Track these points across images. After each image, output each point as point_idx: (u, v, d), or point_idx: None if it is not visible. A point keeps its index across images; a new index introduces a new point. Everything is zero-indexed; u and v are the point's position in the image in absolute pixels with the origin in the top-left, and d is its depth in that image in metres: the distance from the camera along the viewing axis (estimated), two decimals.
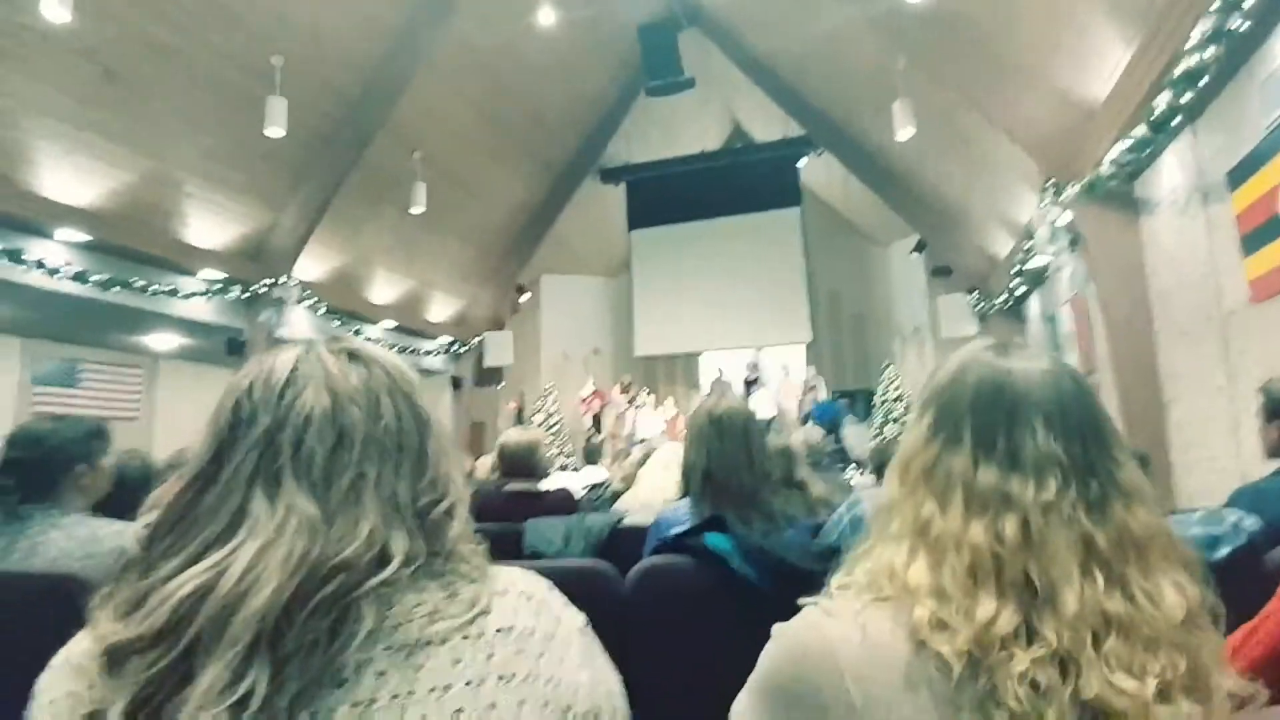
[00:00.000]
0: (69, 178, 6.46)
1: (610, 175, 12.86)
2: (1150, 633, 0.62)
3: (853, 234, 13.37)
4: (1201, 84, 3.70)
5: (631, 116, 11.88)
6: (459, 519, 0.65)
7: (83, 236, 6.72)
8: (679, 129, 12.36)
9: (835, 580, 0.73)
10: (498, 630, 0.60)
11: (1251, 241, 3.94)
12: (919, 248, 10.71)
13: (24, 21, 5.27)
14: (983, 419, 0.71)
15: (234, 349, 8.52)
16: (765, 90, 10.32)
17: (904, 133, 7.13)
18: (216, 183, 7.55)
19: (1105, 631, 0.62)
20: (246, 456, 0.59)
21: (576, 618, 0.68)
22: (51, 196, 6.41)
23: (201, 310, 8.13)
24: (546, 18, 7.48)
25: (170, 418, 9.79)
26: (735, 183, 12.43)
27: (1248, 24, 3.18)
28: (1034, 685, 0.59)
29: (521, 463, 2.64)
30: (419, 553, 0.60)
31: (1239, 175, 3.97)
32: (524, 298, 12.89)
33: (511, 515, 2.38)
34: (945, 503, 0.69)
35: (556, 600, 0.67)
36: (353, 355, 0.68)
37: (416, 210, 8.95)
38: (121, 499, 1.88)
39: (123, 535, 1.57)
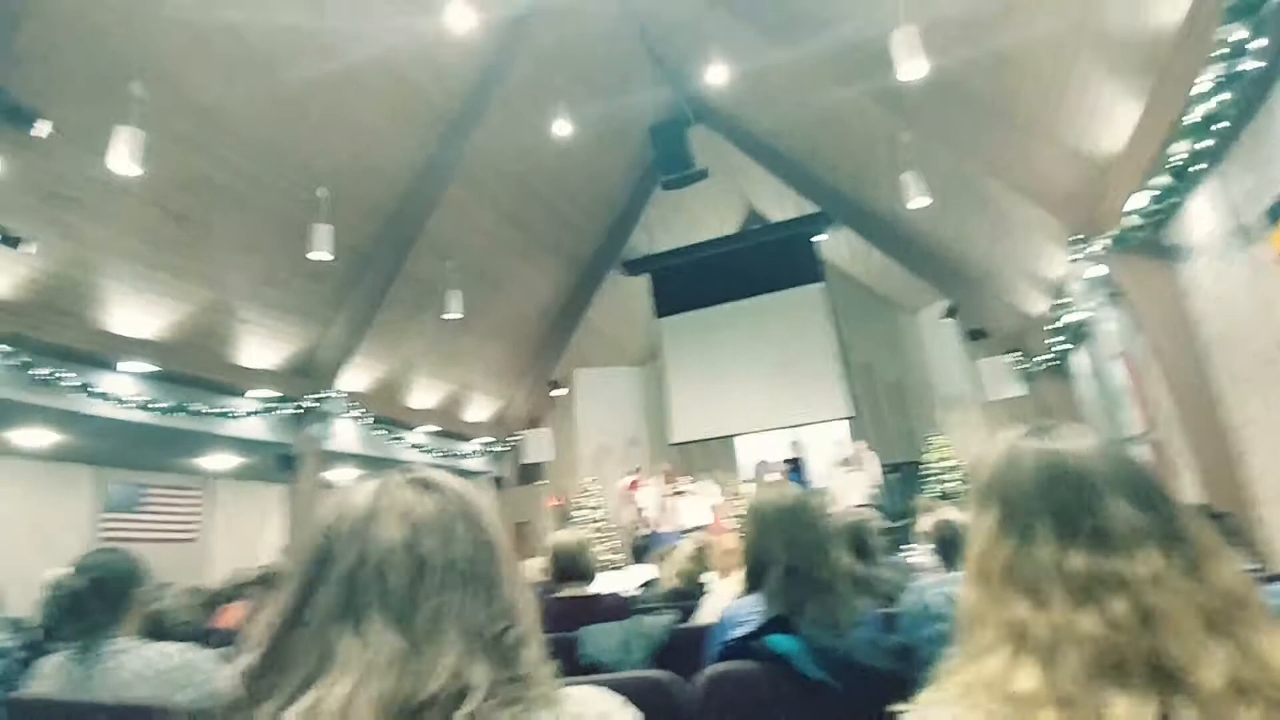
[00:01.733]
0: (136, 313, 6.96)
1: (634, 266, 13.20)
2: (1276, 695, 0.58)
3: (880, 304, 13.34)
4: (1220, 127, 3.68)
5: (650, 209, 12.33)
6: (534, 644, 0.66)
7: (148, 367, 7.16)
8: (697, 217, 12.75)
9: (922, 697, 0.67)
10: None
11: None
12: (950, 313, 10.60)
13: (92, 174, 5.79)
14: (1056, 504, 0.69)
15: (285, 464, 8.75)
16: (775, 173, 10.65)
17: (916, 202, 7.22)
18: (267, 306, 8.01)
19: (1246, 701, 0.57)
20: (333, 593, 0.62)
21: None
22: (120, 332, 6.88)
23: (254, 429, 8.41)
24: (563, 128, 7.94)
25: (226, 536, 10.05)
26: (756, 264, 12.63)
27: (1259, 64, 3.19)
28: None
29: (573, 565, 2.57)
30: (499, 681, 0.61)
31: (1278, 211, 3.87)
32: (559, 393, 12.99)
33: (565, 622, 2.29)
34: (1041, 599, 0.65)
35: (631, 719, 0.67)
36: (426, 484, 0.70)
37: (452, 316, 9.26)
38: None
39: (185, 654, 1.64)
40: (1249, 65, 3.17)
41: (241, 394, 8.22)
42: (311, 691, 0.57)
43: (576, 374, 13.55)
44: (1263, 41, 3.00)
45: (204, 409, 7.69)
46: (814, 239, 12.36)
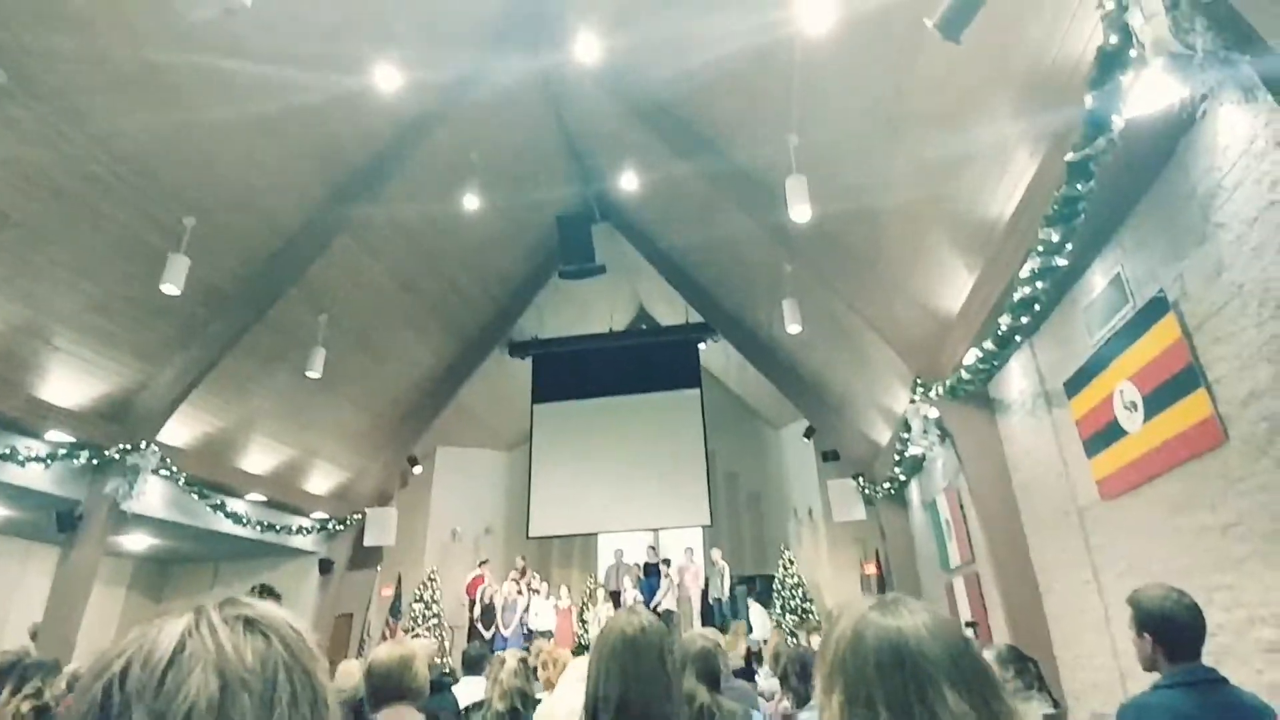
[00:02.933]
0: None
1: (518, 349, 13.13)
2: None
3: (749, 415, 14.01)
4: (1035, 309, 4.35)
5: (544, 294, 12.45)
6: None
7: None
8: (588, 308, 13.01)
9: None
10: None
11: (1092, 445, 4.42)
12: (809, 433, 11.30)
13: None
14: (892, 689, 0.72)
15: (65, 524, 7.40)
16: (669, 280, 11.21)
17: (793, 327, 7.83)
18: (92, 336, 7.04)
19: None
20: None
21: None
22: None
23: (37, 477, 7.12)
24: (471, 203, 7.97)
25: None
26: (639, 362, 12.99)
27: (1067, 262, 3.84)
28: None
29: (395, 685, 2.21)
30: None
31: (1074, 385, 4.56)
32: (416, 470, 12.26)
33: None
34: None
35: None
36: (250, 623, 0.58)
37: (313, 374, 8.59)
38: None
39: None
40: (1059, 261, 3.81)
41: (31, 433, 7.02)
42: None
43: (439, 452, 12.94)
44: (1069, 245, 3.63)
45: None
46: (696, 346, 12.95)
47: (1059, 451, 5.01)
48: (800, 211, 5.65)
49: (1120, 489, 4.17)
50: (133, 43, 5.52)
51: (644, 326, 14.35)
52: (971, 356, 5.30)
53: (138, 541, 9.69)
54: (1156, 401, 3.61)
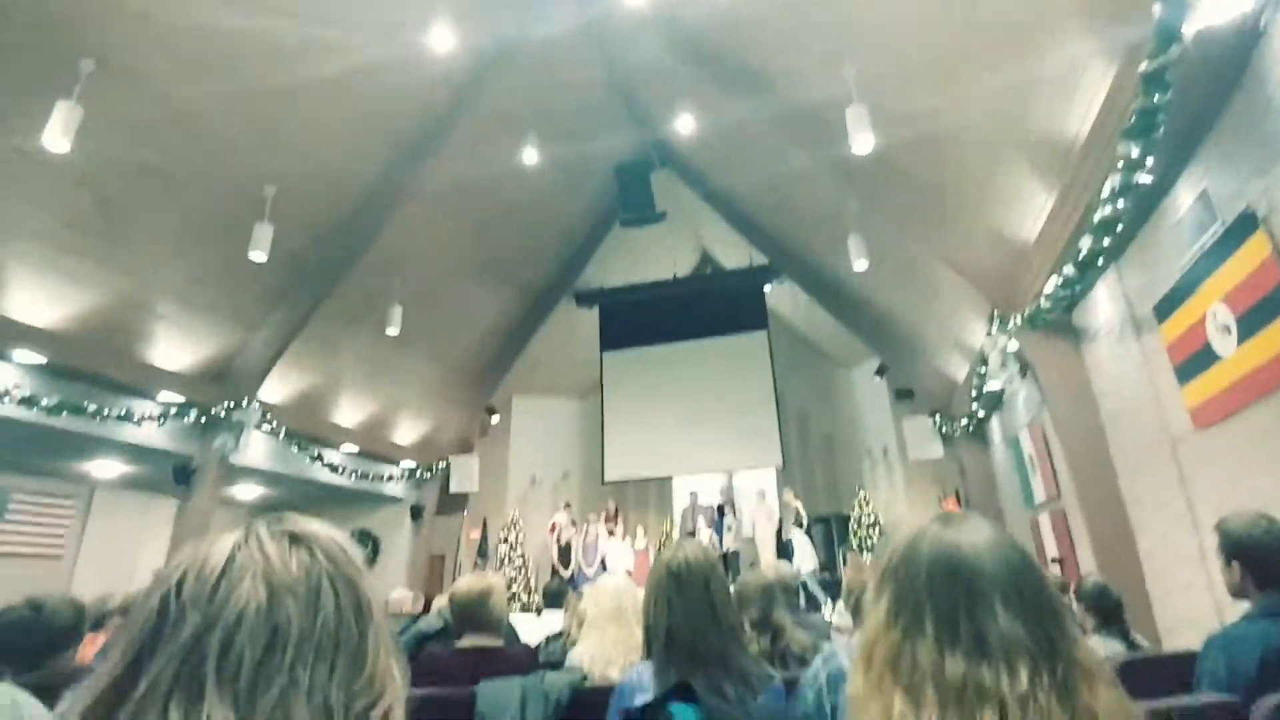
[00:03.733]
0: (36, 298, 6.48)
1: (585, 299, 13.29)
2: None
3: (819, 356, 13.76)
4: (1117, 230, 4.05)
5: (606, 244, 12.48)
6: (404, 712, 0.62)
7: (38, 358, 6.55)
8: (651, 256, 12.96)
9: None
10: None
11: (1184, 372, 4.15)
12: (880, 371, 11.02)
13: (18, 145, 5.49)
14: (942, 601, 0.70)
15: (181, 477, 8.12)
16: (731, 223, 11.00)
17: (859, 264, 7.57)
18: (190, 304, 7.62)
19: None
20: (168, 662, 0.54)
21: None
22: (15, 317, 6.39)
23: (153, 436, 7.80)
24: (530, 158, 8.02)
25: (98, 554, 9.11)
26: (704, 307, 12.89)
27: (1150, 179, 3.54)
28: None
29: (474, 615, 2.35)
30: None
31: (1164, 309, 4.25)
32: (494, 419, 12.80)
33: (464, 676, 2.12)
34: (917, 699, 0.66)
35: None
36: (295, 538, 0.63)
37: (392, 331, 9.03)
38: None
39: (13, 694, 1.49)
40: (1141, 178, 3.52)
41: (149, 396, 7.67)
42: None
43: (515, 401, 13.40)
44: (1150, 160, 3.35)
45: (97, 409, 7.03)
46: (762, 288, 12.73)
47: (1150, 380, 4.72)
48: (862, 142, 5.39)
49: (1215, 417, 3.92)
50: (189, 12, 5.74)
51: (708, 271, 14.18)
52: (1052, 284, 5.00)
53: (248, 491, 10.57)
54: (1250, 323, 3.34)
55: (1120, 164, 3.47)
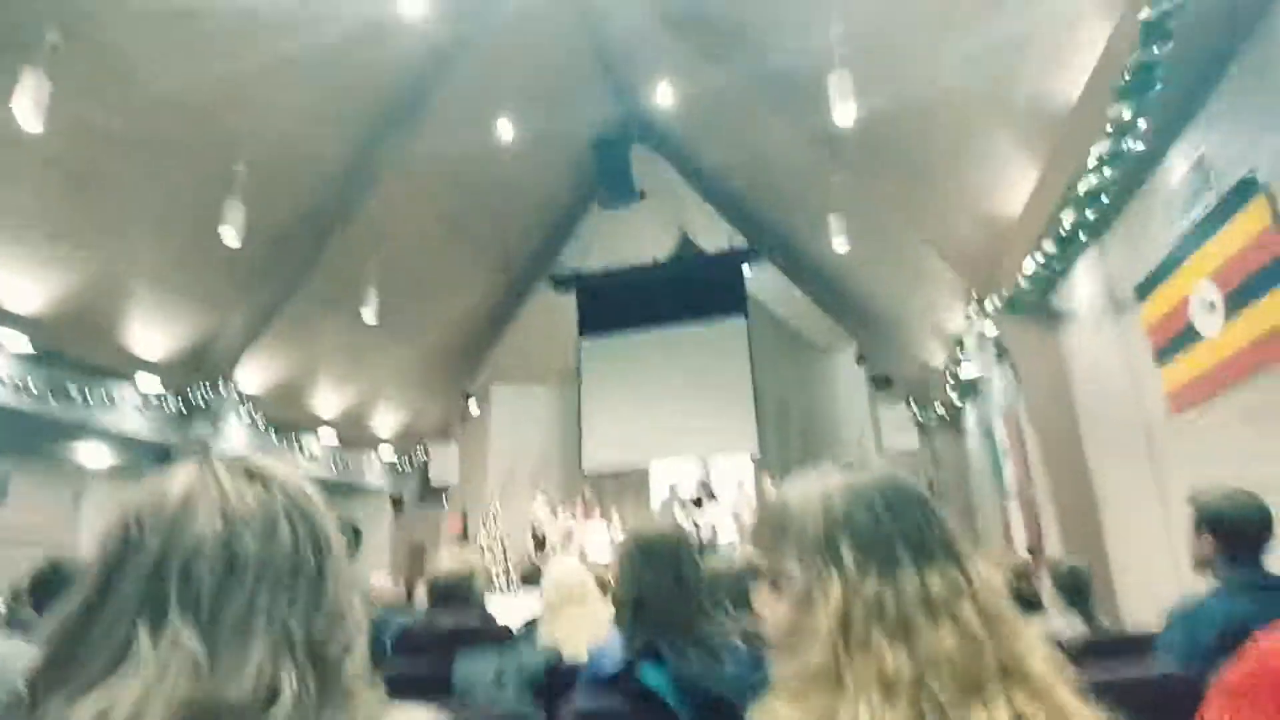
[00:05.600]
0: (20, 283, 6.22)
1: (562, 283, 13.00)
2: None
3: (798, 342, 13.65)
4: (1103, 202, 3.89)
5: (585, 226, 12.22)
6: (357, 654, 0.62)
7: (23, 344, 6.37)
8: (630, 238, 12.72)
9: None
10: None
11: (1164, 353, 4.02)
12: (860, 359, 10.92)
13: None
14: (911, 524, 0.70)
15: (164, 463, 7.89)
16: (711, 202, 10.80)
17: (840, 244, 7.39)
18: (167, 286, 7.29)
19: (1058, 684, 0.65)
20: (133, 586, 0.57)
21: None
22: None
23: (135, 424, 7.61)
24: (506, 132, 7.76)
25: (95, 539, 9.02)
26: (684, 291, 12.69)
27: (1142, 145, 3.37)
28: None
29: (452, 593, 2.42)
30: (310, 692, 0.57)
31: (1146, 289, 4.11)
32: (473, 407, 12.53)
33: (442, 649, 2.19)
34: (908, 632, 0.64)
35: None
36: (251, 474, 0.66)
37: (369, 317, 8.63)
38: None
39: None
40: (1132, 145, 3.35)
41: (125, 379, 7.42)
42: (99, 691, 0.53)
43: (493, 389, 13.15)
44: (1144, 124, 3.17)
45: (83, 395, 6.93)
46: (742, 271, 12.56)
47: (1127, 363, 4.60)
48: (844, 112, 5.17)
49: (1193, 400, 3.79)
50: None
51: (687, 254, 13.97)
52: (1031, 263, 4.85)
53: None
54: (1239, 299, 3.19)
55: (1109, 128, 3.29)
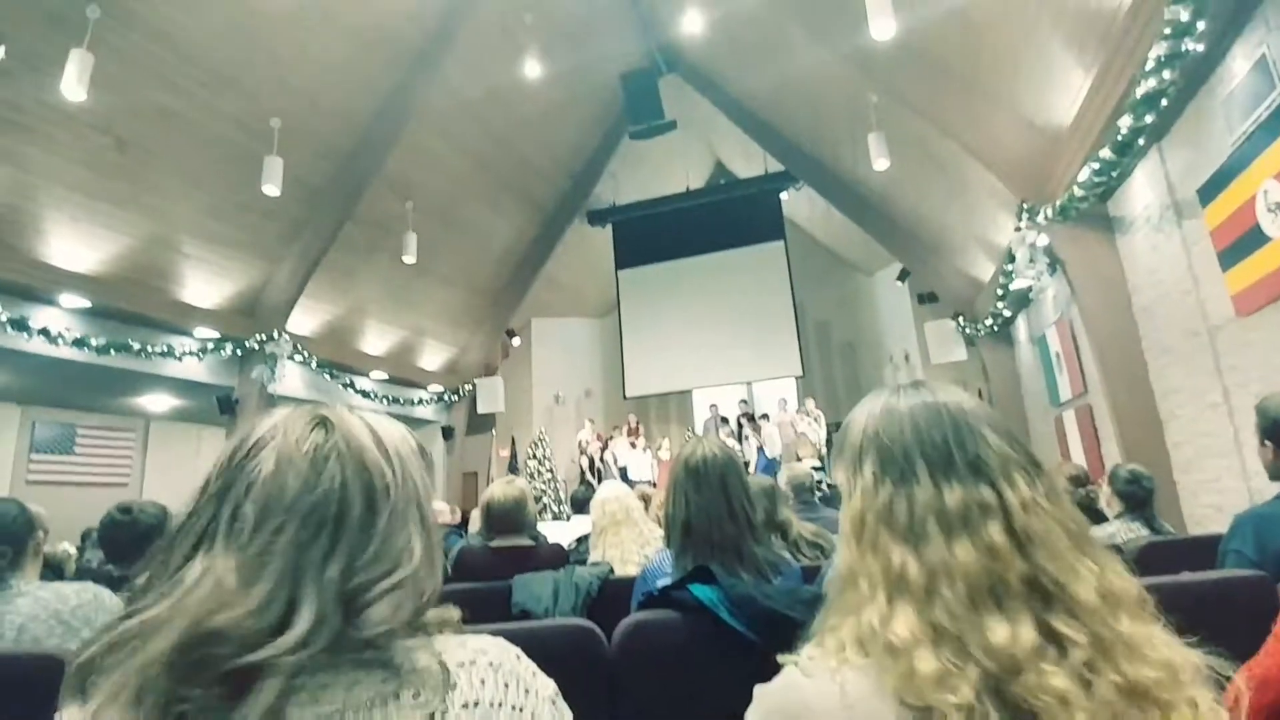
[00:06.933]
0: (76, 244, 6.60)
1: (597, 217, 13.01)
2: (1134, 605, 0.64)
3: (838, 264, 13.50)
4: (1162, 105, 3.78)
5: (617, 158, 12.09)
6: (410, 595, 0.63)
7: (84, 302, 6.86)
8: (663, 169, 12.57)
9: (805, 651, 0.68)
10: (463, 705, 0.60)
11: (1229, 256, 3.97)
12: (903, 276, 10.79)
13: (41, 98, 5.50)
14: (932, 443, 0.71)
15: (225, 408, 8.49)
16: (744, 129, 10.53)
17: (880, 163, 7.25)
18: (213, 241, 7.66)
19: (1114, 610, 0.62)
20: (200, 521, 0.62)
21: (547, 687, 0.67)
22: (58, 264, 6.55)
23: (195, 370, 8.15)
24: (533, 70, 7.65)
25: (160, 480, 9.72)
26: (719, 219, 12.58)
27: (1202, 46, 3.26)
28: (1068, 693, 0.57)
29: (507, 518, 2.52)
30: (330, 629, 0.58)
31: (1210, 191, 4.03)
32: (515, 341, 12.89)
33: (500, 572, 2.31)
34: (918, 539, 0.67)
35: (526, 669, 0.67)
36: (321, 421, 0.68)
37: (408, 259, 8.99)
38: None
39: (82, 595, 1.67)
40: (1191, 46, 3.24)
41: (186, 333, 7.93)
42: (143, 609, 0.57)
43: (534, 323, 13.43)
44: (1203, 24, 3.06)
45: (142, 347, 7.40)
46: (779, 196, 12.35)
47: (1189, 268, 4.54)
48: (882, 26, 5.01)
49: (1260, 302, 3.77)
50: None
51: (722, 181, 13.75)
52: (1087, 171, 4.74)
53: None
54: None
55: (1167, 30, 3.18)
